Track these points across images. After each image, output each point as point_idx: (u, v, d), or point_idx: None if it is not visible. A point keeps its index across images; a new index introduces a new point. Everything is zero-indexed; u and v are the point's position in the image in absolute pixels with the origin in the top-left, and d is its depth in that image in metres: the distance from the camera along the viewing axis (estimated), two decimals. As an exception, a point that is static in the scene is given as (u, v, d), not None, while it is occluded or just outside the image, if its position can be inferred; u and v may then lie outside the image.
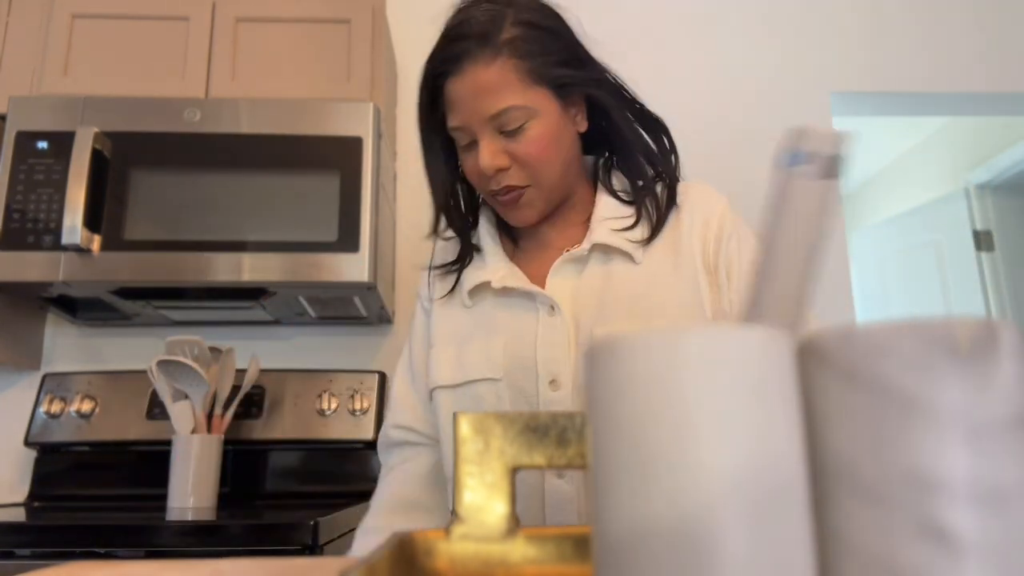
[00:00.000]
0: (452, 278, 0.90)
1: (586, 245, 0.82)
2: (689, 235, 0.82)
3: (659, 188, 0.86)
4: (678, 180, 0.87)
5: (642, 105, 0.87)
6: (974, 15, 2.09)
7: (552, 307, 0.81)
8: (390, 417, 0.94)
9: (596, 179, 0.89)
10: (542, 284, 0.83)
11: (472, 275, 0.87)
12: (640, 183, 0.86)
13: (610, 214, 0.84)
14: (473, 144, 0.80)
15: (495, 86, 0.76)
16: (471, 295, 0.86)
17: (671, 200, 0.85)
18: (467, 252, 0.89)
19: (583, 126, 0.85)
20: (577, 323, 0.80)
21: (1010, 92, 2.05)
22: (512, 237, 0.91)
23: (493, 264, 0.86)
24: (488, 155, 0.78)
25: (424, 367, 0.90)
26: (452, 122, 0.80)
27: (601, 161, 0.90)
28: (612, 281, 0.81)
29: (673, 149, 0.87)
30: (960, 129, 3.29)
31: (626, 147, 0.86)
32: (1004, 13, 2.10)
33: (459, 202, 0.90)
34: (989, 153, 3.07)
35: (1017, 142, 2.91)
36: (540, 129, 0.78)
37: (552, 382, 0.78)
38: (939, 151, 3.44)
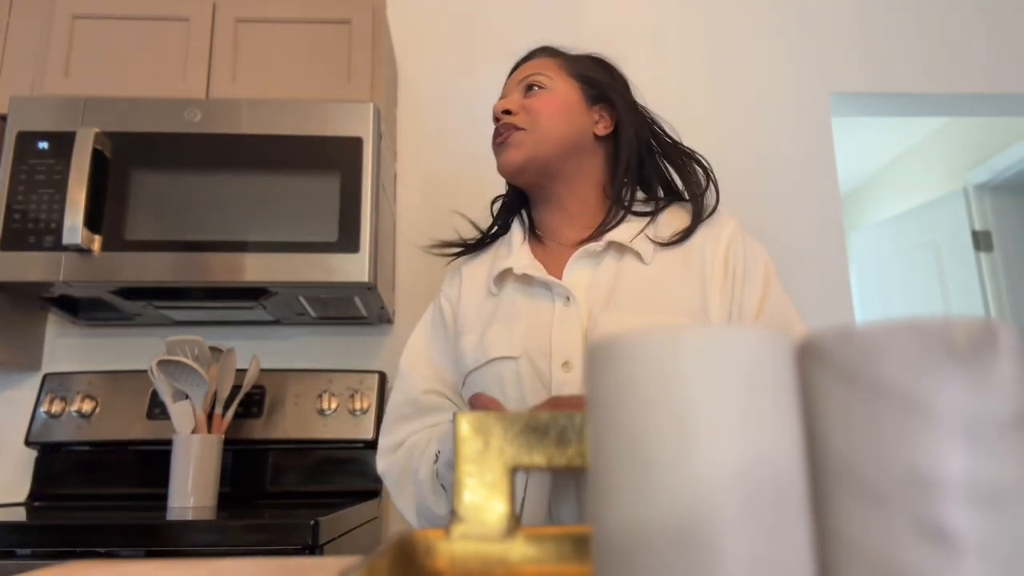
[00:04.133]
0: (481, 261, 1.02)
1: (602, 242, 0.92)
2: (701, 247, 0.91)
3: (675, 208, 0.96)
4: (708, 208, 0.94)
5: (675, 140, 1.00)
6: (974, 15, 2.09)
7: (568, 298, 0.89)
8: (412, 383, 0.97)
9: (617, 199, 0.97)
10: (560, 277, 0.92)
11: (499, 263, 0.97)
12: (653, 202, 0.97)
13: (624, 222, 0.94)
14: None
15: (537, 67, 0.99)
16: (496, 283, 0.96)
17: (695, 220, 0.93)
18: (491, 237, 1.04)
19: (602, 129, 0.97)
20: (590, 313, 0.87)
21: (1010, 92, 2.04)
22: (539, 238, 1.01)
23: (518, 255, 0.96)
24: (502, 102, 0.97)
25: (445, 333, 0.99)
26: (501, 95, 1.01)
27: (621, 182, 0.98)
28: (622, 277, 0.90)
29: (707, 185, 0.96)
30: (959, 129, 3.28)
31: (644, 169, 0.99)
32: (1004, 13, 2.10)
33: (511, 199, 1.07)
34: (988, 153, 3.07)
35: (1016, 142, 2.91)
36: (553, 97, 0.95)
37: (565, 364, 0.84)
38: (938, 151, 3.44)
